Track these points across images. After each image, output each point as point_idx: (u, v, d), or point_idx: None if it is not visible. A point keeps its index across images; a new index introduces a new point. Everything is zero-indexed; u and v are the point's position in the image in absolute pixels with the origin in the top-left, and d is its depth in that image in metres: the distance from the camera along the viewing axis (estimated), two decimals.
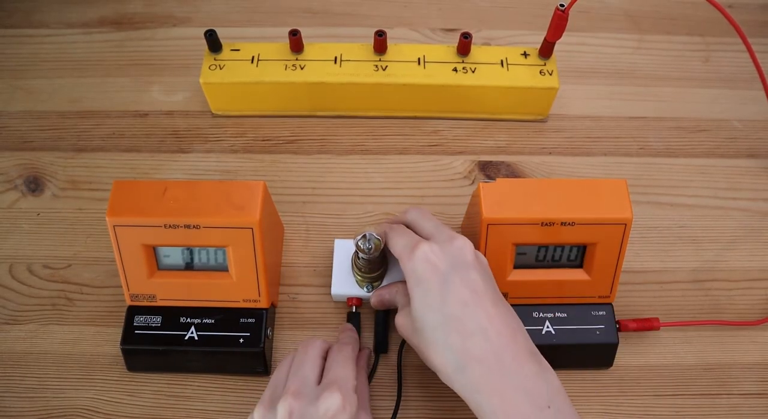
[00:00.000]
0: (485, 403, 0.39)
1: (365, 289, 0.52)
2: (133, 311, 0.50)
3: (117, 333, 0.52)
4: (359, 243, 0.48)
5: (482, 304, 0.41)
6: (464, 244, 0.43)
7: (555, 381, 0.40)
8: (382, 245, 0.49)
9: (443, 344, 0.41)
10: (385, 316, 0.52)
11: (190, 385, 0.51)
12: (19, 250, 0.56)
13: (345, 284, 0.53)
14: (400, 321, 0.45)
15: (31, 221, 0.58)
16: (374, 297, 0.51)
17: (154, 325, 0.49)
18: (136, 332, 0.49)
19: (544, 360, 0.42)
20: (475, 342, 0.40)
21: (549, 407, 0.38)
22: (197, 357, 0.50)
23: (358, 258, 0.50)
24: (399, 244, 0.45)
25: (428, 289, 0.42)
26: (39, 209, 0.58)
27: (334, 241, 0.54)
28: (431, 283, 0.42)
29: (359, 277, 0.52)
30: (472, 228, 0.50)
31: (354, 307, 0.53)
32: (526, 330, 0.48)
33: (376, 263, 0.51)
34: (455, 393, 0.51)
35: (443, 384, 0.51)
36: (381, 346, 0.52)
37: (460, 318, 0.40)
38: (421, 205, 0.59)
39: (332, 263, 0.53)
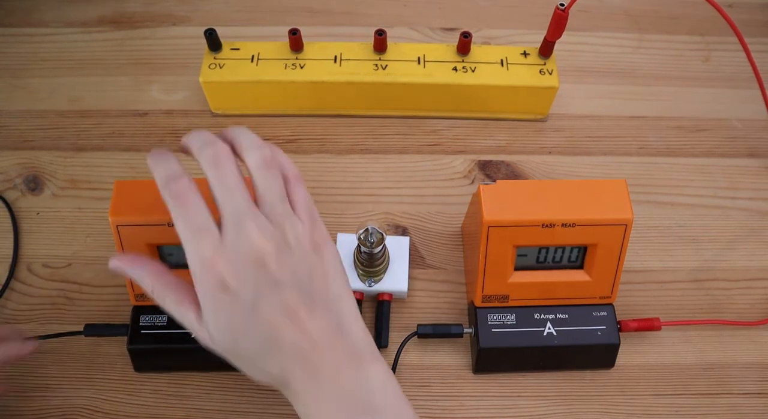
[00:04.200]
0: (304, 414, 0.38)
1: (366, 283, 0.52)
2: (138, 311, 0.50)
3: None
4: (361, 236, 0.49)
5: (296, 320, 0.36)
6: (259, 240, 0.36)
7: (376, 378, 0.37)
8: (385, 240, 0.49)
9: (262, 367, 0.38)
10: (387, 311, 0.53)
11: (190, 384, 0.51)
12: (18, 249, 0.56)
13: None
14: (202, 334, 0.39)
15: (30, 220, 0.58)
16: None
17: (159, 324, 0.49)
18: (142, 332, 0.49)
19: (370, 352, 0.38)
20: (292, 362, 0.37)
21: (364, 411, 0.36)
22: (203, 355, 0.50)
23: (360, 252, 0.50)
24: (182, 230, 0.37)
25: (231, 319, 0.37)
26: (38, 209, 0.58)
27: (337, 235, 0.54)
28: (234, 315, 0.36)
29: (361, 271, 0.52)
30: (473, 229, 0.50)
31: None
32: (527, 332, 0.49)
33: (378, 258, 0.51)
34: (454, 393, 0.51)
35: (442, 383, 0.51)
36: (381, 341, 0.52)
37: (275, 341, 0.37)
38: (421, 205, 0.59)
39: None
